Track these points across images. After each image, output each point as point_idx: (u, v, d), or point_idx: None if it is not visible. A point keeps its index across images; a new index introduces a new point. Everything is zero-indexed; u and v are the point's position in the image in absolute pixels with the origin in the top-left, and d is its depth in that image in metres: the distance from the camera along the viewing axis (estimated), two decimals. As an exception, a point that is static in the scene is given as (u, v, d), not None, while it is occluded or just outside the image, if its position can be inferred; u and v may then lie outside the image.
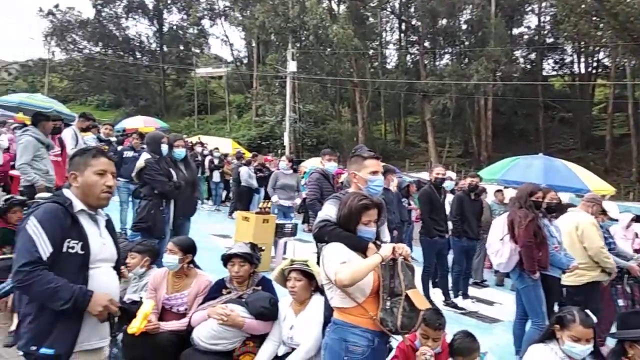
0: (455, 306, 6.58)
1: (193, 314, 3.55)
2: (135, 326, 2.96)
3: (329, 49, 30.85)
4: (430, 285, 6.70)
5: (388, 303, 2.58)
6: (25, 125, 10.52)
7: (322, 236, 2.89)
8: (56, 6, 44.57)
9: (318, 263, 3.25)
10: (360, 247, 2.74)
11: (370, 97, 34.78)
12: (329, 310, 2.91)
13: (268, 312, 3.40)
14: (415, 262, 3.07)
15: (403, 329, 2.57)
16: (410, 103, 37.12)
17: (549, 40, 35.19)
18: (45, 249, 2.13)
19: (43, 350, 2.16)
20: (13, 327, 4.16)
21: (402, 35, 39.23)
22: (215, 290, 3.69)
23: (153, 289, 3.77)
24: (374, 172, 3.19)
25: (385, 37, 40.70)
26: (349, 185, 3.44)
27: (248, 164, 12.77)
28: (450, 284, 6.79)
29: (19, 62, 52.74)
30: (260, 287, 3.65)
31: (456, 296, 6.79)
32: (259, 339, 3.46)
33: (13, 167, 7.90)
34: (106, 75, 44.12)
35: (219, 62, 47.90)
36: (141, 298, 3.81)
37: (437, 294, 6.76)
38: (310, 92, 34.61)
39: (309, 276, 3.37)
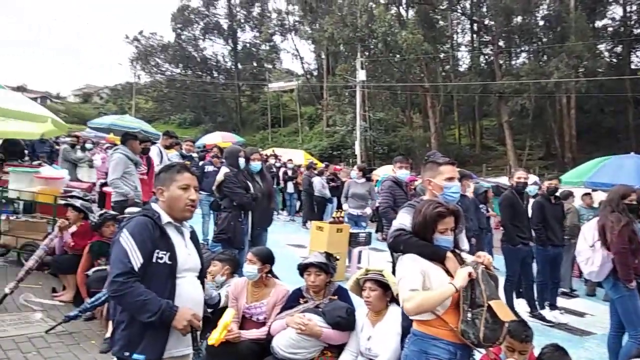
0: (542, 318, 6.22)
1: (272, 323, 3.60)
2: (214, 337, 3.04)
3: (398, 56, 30.56)
4: (514, 295, 6.39)
5: (469, 314, 2.47)
6: (115, 144, 11.35)
7: (398, 246, 2.78)
8: (140, 32, 47.95)
9: (394, 273, 3.23)
10: (438, 256, 2.64)
11: (443, 101, 33.95)
12: (407, 320, 2.85)
13: (345, 322, 3.39)
14: (497, 271, 2.93)
15: (486, 341, 2.45)
16: (486, 105, 35.78)
17: (637, 32, 32.56)
18: (137, 259, 2.26)
19: (135, 356, 2.27)
20: (108, 334, 4.46)
21: (475, 36, 38.03)
22: (293, 300, 3.74)
23: (234, 298, 3.88)
24: (450, 179, 3.07)
25: (457, 39, 39.71)
26: (424, 192, 3.35)
27: (321, 174, 12.91)
28: (535, 295, 6.44)
29: (109, 86, 57.22)
30: (336, 297, 3.65)
31: (542, 308, 6.42)
32: (337, 349, 3.45)
33: (105, 184, 8.57)
34: (186, 95, 46.55)
35: (290, 76, 49.06)
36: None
37: (521, 305, 6.43)
38: (380, 99, 34.41)
39: (384, 286, 3.32)
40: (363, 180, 8.93)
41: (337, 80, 35.42)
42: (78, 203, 5.89)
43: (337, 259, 3.98)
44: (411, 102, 37.03)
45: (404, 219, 2.90)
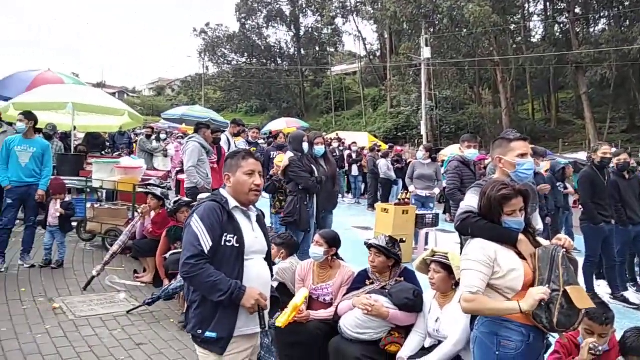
0: (625, 300, 5.85)
1: (339, 304, 3.64)
2: (282, 320, 3.11)
3: (465, 30, 29.32)
4: (594, 277, 6.05)
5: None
6: (187, 134, 11.82)
7: (465, 229, 2.67)
8: (207, 24, 49.34)
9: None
10: (509, 239, 2.52)
11: (514, 75, 32.29)
12: None
13: (412, 304, 3.36)
14: (577, 253, 2.77)
15: (559, 327, 2.34)
16: (561, 77, 33.58)
17: None
18: (206, 243, 2.37)
19: (207, 334, 2.39)
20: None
21: (548, 4, 35.70)
22: (359, 281, 3.75)
23: (301, 279, 3.97)
24: (522, 155, 2.91)
25: (528, 8, 37.40)
26: (494, 172, 3.21)
27: (385, 156, 12.79)
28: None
29: (179, 79, 59.57)
30: (402, 279, 3.64)
31: (625, 289, 6.03)
32: (405, 330, 3.43)
33: (179, 172, 8.99)
34: (252, 83, 47.53)
35: (353, 58, 48.61)
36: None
37: (602, 287, 6.08)
38: (447, 77, 33.30)
39: (449, 269, 3.25)
40: (429, 160, 8.74)
41: (400, 60, 34.66)
42: (158, 191, 6.23)
43: (403, 241, 3.94)
44: (480, 78, 35.53)
45: (471, 201, 2.79)
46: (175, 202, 5.87)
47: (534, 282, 2.42)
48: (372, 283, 3.69)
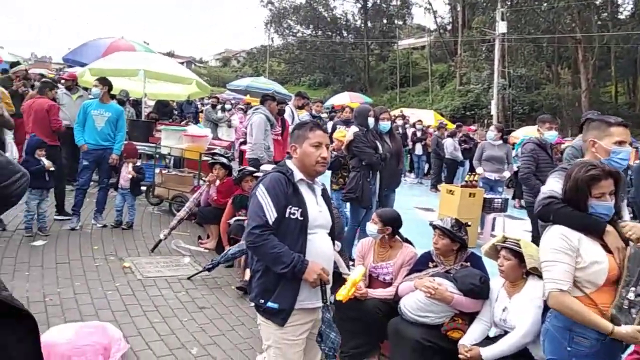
0: None
1: (400, 284, 3.57)
2: (342, 294, 3.08)
3: (545, 4, 27.51)
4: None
5: (626, 302, 2.18)
6: (251, 105, 11.95)
7: (547, 215, 2.49)
8: (274, -5, 49.29)
9: (534, 242, 2.96)
10: (596, 229, 2.32)
11: (597, 54, 30.00)
12: None
13: (478, 290, 3.23)
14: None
15: None
16: (650, 58, 30.91)
17: None
18: (271, 214, 2.37)
19: (269, 304, 2.41)
20: (246, 278, 4.81)
21: (640, -24, 32.70)
22: (422, 263, 3.66)
23: (361, 256, 3.92)
24: (621, 142, 2.67)
25: (617, -19, 34.46)
26: (578, 155, 2.96)
27: (453, 135, 12.34)
28: None
29: (245, 50, 60.32)
30: (468, 264, 3.51)
31: None
32: (469, 317, 3.32)
33: (242, 143, 9.12)
34: (316, 56, 47.27)
35: (422, 32, 47.04)
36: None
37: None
38: (522, 54, 31.50)
39: (520, 256, 3.07)
40: (500, 142, 8.31)
41: (473, 35, 33.15)
42: (225, 160, 6.35)
43: (468, 225, 3.79)
44: (559, 56, 33.29)
45: (554, 185, 2.60)
46: (239, 171, 5.96)
47: (619, 280, 2.23)
48: (435, 266, 3.59)
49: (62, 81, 8.92)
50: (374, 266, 3.84)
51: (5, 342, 0.83)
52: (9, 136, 6.53)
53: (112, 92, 6.98)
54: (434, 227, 3.60)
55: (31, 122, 6.28)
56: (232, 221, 5.60)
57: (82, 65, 10.01)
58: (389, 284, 3.74)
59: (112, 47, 10.67)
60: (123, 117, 6.52)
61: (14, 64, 9.60)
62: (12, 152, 7.46)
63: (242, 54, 61.94)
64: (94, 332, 3.31)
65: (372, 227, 3.80)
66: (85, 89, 8.39)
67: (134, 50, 10.76)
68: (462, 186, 7.32)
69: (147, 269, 5.12)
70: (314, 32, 49.44)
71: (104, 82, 6.41)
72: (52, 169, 5.63)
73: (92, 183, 6.70)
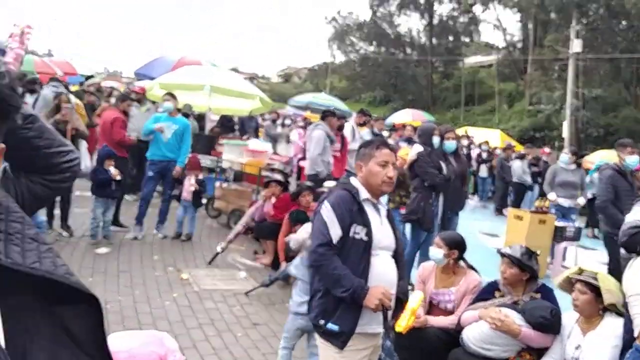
0: None
1: (463, 314, 3.39)
2: (401, 325, 2.95)
3: (624, 22, 26.02)
4: None
5: None
6: (311, 122, 12.01)
7: (633, 246, 2.41)
8: (338, 12, 50.00)
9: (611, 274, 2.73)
10: None
11: (682, 75, 27.99)
12: (629, 333, 2.50)
13: (549, 324, 3.02)
14: None
15: None
16: None
17: None
18: (335, 232, 2.31)
19: (329, 326, 2.34)
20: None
21: None
22: (487, 292, 3.48)
23: (421, 281, 3.77)
24: None
25: None
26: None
27: (522, 157, 11.79)
28: None
29: (307, 67, 61.34)
30: (539, 295, 3.29)
31: None
32: (537, 353, 3.12)
33: (301, 159, 9.14)
34: (378, 73, 47.17)
35: (490, 49, 45.84)
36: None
37: None
38: (598, 74, 29.86)
39: (597, 291, 2.87)
40: (574, 166, 7.80)
41: (544, 53, 31.83)
42: (280, 177, 6.36)
43: (537, 255, 3.56)
44: (638, 77, 31.36)
45: None
46: (298, 186, 5.94)
47: None
48: (502, 296, 3.39)
49: (133, 94, 9.34)
50: (435, 292, 3.68)
51: (78, 328, 0.83)
52: (82, 146, 6.87)
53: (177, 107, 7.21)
54: (502, 254, 3.40)
55: (100, 133, 6.59)
56: (288, 238, 5.56)
57: (151, 79, 10.47)
58: (451, 312, 3.56)
59: (181, 63, 11.12)
60: (189, 130, 6.70)
61: (88, 77, 10.19)
62: (86, 162, 7.85)
63: (304, 70, 62.97)
64: (152, 342, 3.32)
65: (436, 252, 3.62)
66: (153, 102, 8.73)
67: (200, 65, 11.15)
68: (531, 212, 6.91)
69: (204, 281, 5.16)
70: (376, 48, 49.49)
71: (174, 96, 6.63)
72: (119, 178, 5.83)
73: (155, 194, 6.90)
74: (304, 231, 4.01)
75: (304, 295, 3.35)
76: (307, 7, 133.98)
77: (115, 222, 6.56)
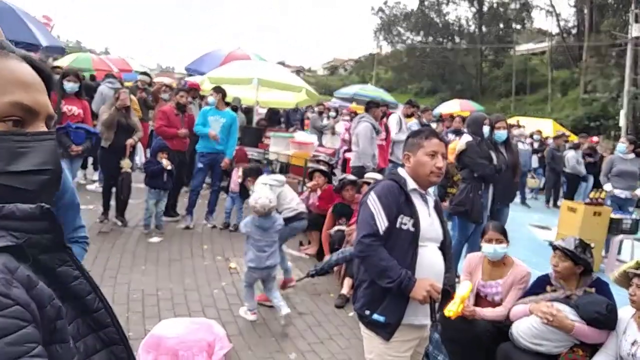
0: None
1: (513, 307, 3.33)
2: (452, 310, 2.93)
3: (688, 3, 24.32)
4: None
5: None
6: (356, 113, 11.96)
7: None
8: (385, 2, 49.35)
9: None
10: None
11: None
12: None
13: (603, 320, 2.93)
14: None
15: None
16: None
17: None
18: (382, 223, 2.29)
19: (375, 316, 2.33)
20: (343, 291, 4.75)
21: None
22: (538, 286, 3.40)
23: (468, 273, 3.72)
24: None
25: None
26: None
27: (576, 147, 11.30)
28: None
29: (353, 59, 60.95)
30: (593, 290, 3.18)
31: None
32: (590, 349, 3.02)
33: (347, 151, 9.13)
34: (425, 63, 46.32)
35: (542, 36, 44.02)
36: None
37: None
38: (659, 59, 28.11)
39: None
40: (632, 155, 7.41)
41: (601, 39, 30.28)
42: (324, 168, 6.38)
43: (591, 247, 3.43)
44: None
45: None
46: (340, 180, 5.94)
47: None
48: (554, 290, 3.30)
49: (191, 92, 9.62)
50: (482, 284, 3.63)
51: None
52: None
53: (225, 100, 7.35)
54: (555, 247, 3.30)
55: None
56: (333, 231, 5.59)
57: (202, 74, 10.72)
58: (498, 304, 3.51)
59: (230, 57, 11.34)
60: (236, 123, 6.83)
61: (142, 74, 10.57)
62: (140, 155, 8.16)
63: (350, 62, 62.62)
64: (201, 329, 3.42)
65: (500, 248, 3.56)
66: (202, 97, 8.95)
67: (249, 59, 11.32)
68: (586, 203, 6.62)
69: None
70: (424, 38, 48.54)
71: (218, 90, 6.76)
72: (170, 168, 6.01)
73: (204, 185, 7.08)
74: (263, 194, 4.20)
75: (256, 251, 4.05)
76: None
77: (170, 211, 6.76)
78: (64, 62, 12.64)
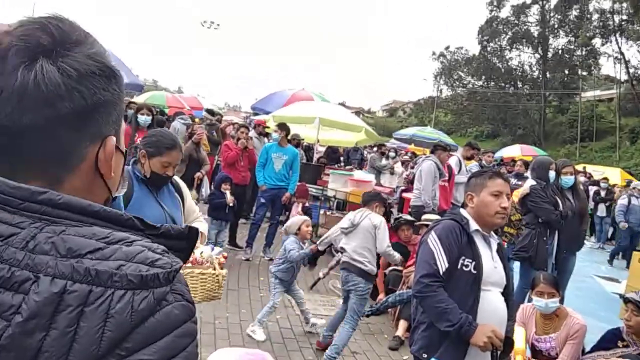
0: None
1: (579, 362, 3.16)
2: None
3: None
4: None
5: None
6: (414, 154, 11.95)
7: None
8: (447, 48, 49.60)
9: None
10: None
11: None
12: None
13: None
14: None
15: None
16: None
17: None
18: (442, 263, 2.25)
19: None
20: (398, 333, 4.67)
21: None
22: (609, 340, 3.27)
23: (522, 323, 3.57)
24: None
25: None
26: None
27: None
28: None
29: (412, 101, 61.17)
30: None
31: None
32: None
33: (404, 191, 9.12)
34: (486, 107, 45.71)
35: (610, 83, 42.53)
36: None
37: None
38: None
39: None
40: None
41: (674, 86, 28.90)
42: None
43: None
44: None
45: None
46: (396, 219, 5.91)
47: None
48: (626, 345, 3.15)
49: (258, 127, 10.06)
50: (537, 339, 3.49)
51: None
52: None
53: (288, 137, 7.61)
54: (627, 300, 3.13)
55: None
56: (387, 270, 5.54)
57: (267, 113, 11.16)
58: (554, 358, 3.36)
59: (294, 97, 11.77)
60: (298, 159, 7.03)
61: (207, 111, 11.14)
62: (206, 188, 8.50)
63: (409, 104, 62.86)
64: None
65: (551, 302, 3.41)
66: (267, 135, 9.30)
67: (312, 100, 11.70)
68: (659, 256, 6.24)
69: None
70: (485, 83, 48.14)
71: (282, 127, 7.02)
72: (231, 205, 6.20)
73: (264, 219, 7.26)
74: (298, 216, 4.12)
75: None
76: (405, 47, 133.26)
77: (232, 242, 6.98)
78: (140, 99, 13.56)
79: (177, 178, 2.71)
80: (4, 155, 0.66)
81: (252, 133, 9.08)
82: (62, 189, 0.66)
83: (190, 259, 2.21)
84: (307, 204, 6.99)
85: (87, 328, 0.55)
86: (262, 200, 6.82)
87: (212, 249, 2.68)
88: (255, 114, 13.98)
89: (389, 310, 5.03)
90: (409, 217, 5.93)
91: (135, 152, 2.58)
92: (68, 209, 0.63)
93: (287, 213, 6.96)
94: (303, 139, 11.03)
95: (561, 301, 3.55)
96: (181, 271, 0.65)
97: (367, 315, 4.86)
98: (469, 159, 8.21)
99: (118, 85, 0.72)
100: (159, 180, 2.50)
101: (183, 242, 0.71)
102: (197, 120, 10.15)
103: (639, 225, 10.10)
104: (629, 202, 10.35)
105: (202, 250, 2.55)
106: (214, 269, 2.59)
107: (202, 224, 2.75)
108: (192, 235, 0.72)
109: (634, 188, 10.63)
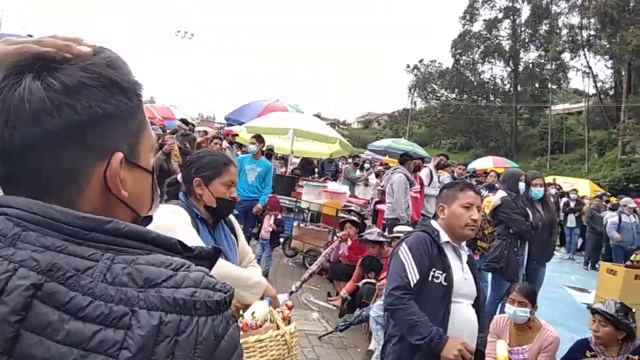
0: None
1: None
2: None
3: None
4: None
5: None
6: (388, 166, 12.03)
7: None
8: (420, 61, 50.47)
9: None
10: None
11: None
12: None
13: None
14: None
15: None
16: None
17: None
18: (413, 275, 2.24)
19: None
20: (370, 347, 4.62)
21: None
22: (577, 351, 3.25)
23: (495, 334, 3.57)
24: None
25: None
26: None
27: (615, 208, 10.96)
28: None
29: (387, 113, 61.86)
30: (636, 357, 3.02)
31: None
32: None
33: (378, 202, 9.14)
34: (459, 120, 46.57)
35: (578, 97, 43.87)
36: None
37: None
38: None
39: None
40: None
41: (639, 100, 29.94)
42: (355, 219, 6.37)
43: (634, 312, 3.26)
44: None
45: None
46: (360, 236, 5.89)
47: None
48: (594, 356, 3.15)
49: (228, 137, 9.98)
50: (510, 350, 3.45)
51: None
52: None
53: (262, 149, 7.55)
54: (594, 311, 3.15)
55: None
56: (361, 284, 5.49)
57: (241, 124, 11.07)
58: (529, 371, 3.32)
59: (268, 108, 11.74)
60: (271, 172, 6.97)
61: (181, 121, 11.02)
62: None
63: (384, 116, 63.52)
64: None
65: (522, 312, 3.39)
66: (240, 145, 9.21)
67: (286, 110, 11.67)
68: (626, 266, 6.37)
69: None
70: (458, 95, 49.07)
71: (259, 139, 6.96)
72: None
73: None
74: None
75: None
76: (391, 55, 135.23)
77: None
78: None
79: (231, 216, 2.25)
80: (20, 182, 0.65)
81: (224, 144, 8.99)
82: (82, 210, 0.64)
83: (240, 325, 1.69)
84: (279, 216, 6.90)
85: (182, 357, 0.57)
86: (235, 212, 6.70)
87: (269, 303, 1.92)
88: (230, 125, 13.87)
89: (362, 323, 4.97)
90: (373, 237, 5.70)
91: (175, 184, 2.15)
92: (131, 237, 0.63)
93: (260, 225, 6.86)
94: (272, 149, 11.00)
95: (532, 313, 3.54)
96: None
97: (341, 330, 4.80)
98: (441, 168, 8.29)
99: (128, 97, 0.70)
100: (226, 208, 2.07)
101: (207, 262, 0.71)
102: (167, 131, 10.01)
103: (631, 244, 9.64)
104: (620, 219, 10.04)
105: (253, 311, 1.82)
106: (277, 327, 1.81)
107: (256, 270, 2.21)
108: (216, 255, 0.73)
109: (624, 205, 10.35)
